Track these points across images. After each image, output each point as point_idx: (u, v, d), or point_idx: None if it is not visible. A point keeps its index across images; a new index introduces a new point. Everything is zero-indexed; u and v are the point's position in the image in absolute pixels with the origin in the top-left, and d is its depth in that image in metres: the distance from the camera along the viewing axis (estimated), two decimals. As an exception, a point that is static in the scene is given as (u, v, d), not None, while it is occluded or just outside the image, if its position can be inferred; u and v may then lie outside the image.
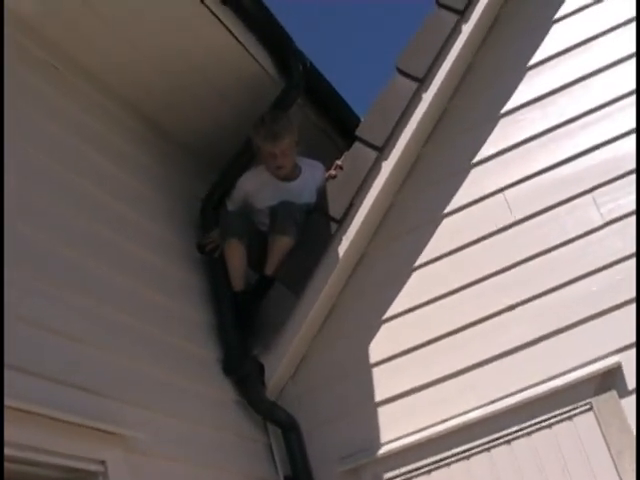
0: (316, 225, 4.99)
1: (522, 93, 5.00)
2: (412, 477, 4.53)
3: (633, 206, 4.57)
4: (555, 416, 4.37)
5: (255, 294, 4.96)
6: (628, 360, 4.32)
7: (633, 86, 4.79)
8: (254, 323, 4.87)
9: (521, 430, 4.40)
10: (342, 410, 4.76)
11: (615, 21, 4.96)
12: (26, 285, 3.41)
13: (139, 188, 4.75)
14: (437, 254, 4.86)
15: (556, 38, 5.04)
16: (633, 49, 4.86)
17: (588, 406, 4.33)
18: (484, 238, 4.80)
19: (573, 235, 4.64)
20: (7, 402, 2.85)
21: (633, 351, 4.32)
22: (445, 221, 4.91)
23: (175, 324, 4.43)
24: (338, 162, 5.13)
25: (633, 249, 4.49)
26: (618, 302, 4.43)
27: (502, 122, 4.99)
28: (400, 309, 4.82)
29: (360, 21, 12.97)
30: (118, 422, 3.48)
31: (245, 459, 4.50)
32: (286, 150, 4.98)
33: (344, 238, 4.86)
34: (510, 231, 4.77)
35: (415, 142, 4.98)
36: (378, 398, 4.70)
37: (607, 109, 4.83)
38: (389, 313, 4.83)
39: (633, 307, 4.39)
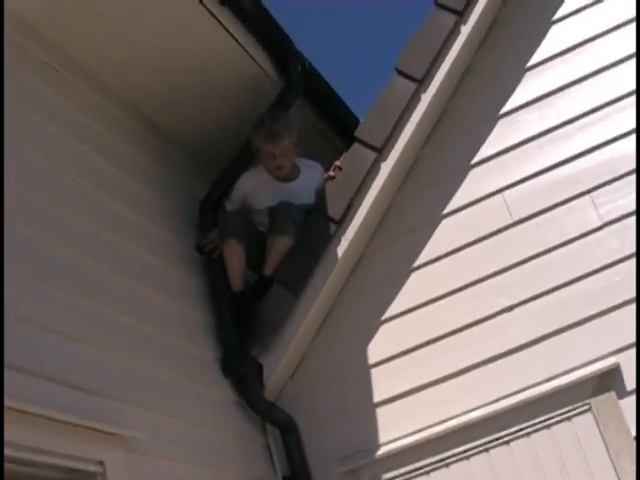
0: (315, 226, 4.99)
1: (521, 94, 5.01)
2: (411, 478, 4.52)
3: (631, 207, 4.57)
4: (554, 417, 4.37)
5: (254, 294, 4.96)
6: (627, 361, 4.32)
7: (631, 87, 4.79)
8: (253, 323, 4.86)
9: (520, 431, 4.40)
10: (341, 411, 4.75)
11: (613, 22, 4.96)
12: (26, 285, 3.41)
13: (138, 189, 4.75)
14: (436, 255, 4.86)
15: (555, 39, 5.04)
16: (631, 50, 4.86)
17: (587, 407, 4.33)
18: (483, 239, 4.80)
19: (572, 236, 4.65)
20: (7, 402, 2.85)
21: (632, 352, 4.32)
22: (444, 222, 4.91)
23: (174, 324, 4.43)
24: (337, 163, 5.14)
25: (631, 250, 4.49)
26: (616, 303, 4.43)
27: (501, 123, 4.99)
28: (399, 310, 4.82)
29: (359, 22, 13.00)
30: (116, 422, 3.48)
31: (244, 459, 4.50)
32: (285, 150, 4.99)
33: (343, 239, 4.86)
34: (509, 232, 4.77)
35: (414, 143, 4.99)
36: (377, 399, 4.70)
37: (605, 110, 4.83)
38: (388, 314, 4.83)
39: (631, 308, 4.39)
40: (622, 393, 4.31)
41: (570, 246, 4.64)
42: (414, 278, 4.86)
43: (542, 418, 4.38)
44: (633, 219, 4.55)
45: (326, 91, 5.87)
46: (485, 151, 4.96)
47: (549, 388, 4.40)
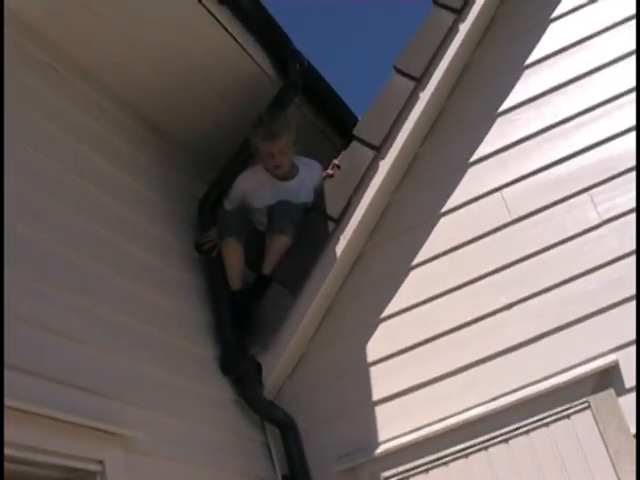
0: (313, 224, 4.98)
1: (519, 92, 5.01)
2: (410, 476, 4.52)
3: (630, 205, 4.58)
4: (553, 414, 4.37)
5: (253, 293, 4.95)
6: (626, 358, 4.32)
7: (629, 85, 4.80)
8: (252, 322, 4.87)
9: (519, 429, 4.40)
10: (340, 409, 4.76)
11: (611, 20, 4.97)
12: (26, 285, 3.42)
13: (138, 188, 4.75)
14: (435, 253, 4.86)
15: (553, 38, 5.04)
16: (629, 48, 4.87)
17: (586, 404, 4.33)
18: (482, 237, 4.81)
19: (571, 234, 4.65)
20: (7, 402, 2.85)
21: (631, 349, 4.33)
22: (442, 220, 4.91)
23: (173, 324, 4.43)
24: (335, 161, 5.13)
25: (630, 248, 4.50)
26: (615, 300, 4.44)
27: (499, 121, 5.00)
28: (397, 308, 4.82)
29: (358, 20, 13.00)
30: (116, 422, 3.49)
31: (243, 458, 4.50)
32: (284, 149, 4.99)
33: (341, 237, 4.86)
34: (508, 230, 4.78)
35: (412, 141, 4.99)
36: (376, 397, 4.70)
37: (603, 108, 4.84)
38: (387, 312, 4.83)
39: (631, 305, 4.39)
40: (621, 391, 4.31)
41: (569, 244, 4.65)
42: (413, 276, 4.86)
43: (541, 416, 4.38)
44: (632, 217, 4.56)
45: (325, 90, 5.87)
46: (483, 149, 4.97)
47: (548, 386, 4.40)
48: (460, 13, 5.02)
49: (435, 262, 4.85)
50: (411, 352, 4.72)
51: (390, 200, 5.02)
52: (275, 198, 5.01)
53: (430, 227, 4.91)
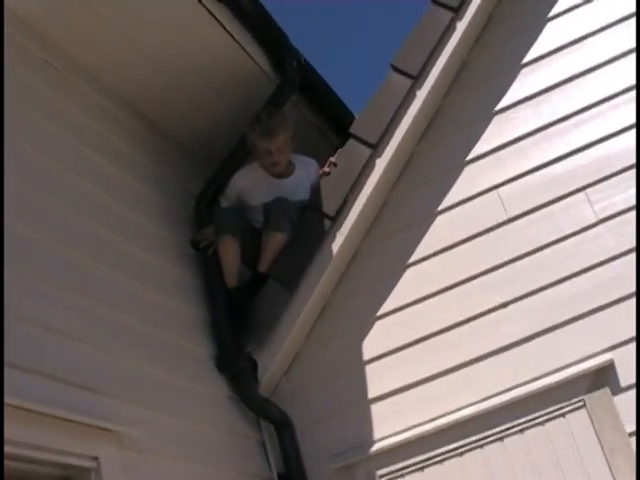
0: (310, 222, 4.98)
1: (516, 91, 5.02)
2: (405, 474, 4.53)
3: (626, 204, 4.59)
4: (548, 413, 4.38)
5: (249, 291, 4.96)
6: (621, 357, 4.33)
7: (626, 84, 4.80)
8: (248, 320, 4.87)
9: (514, 427, 4.41)
10: (335, 407, 4.76)
11: (609, 19, 4.97)
12: (26, 285, 3.42)
13: (136, 187, 4.75)
14: (431, 251, 4.87)
15: (550, 36, 5.05)
16: (626, 47, 4.87)
17: (581, 403, 4.34)
18: (478, 235, 4.81)
19: (567, 232, 4.66)
20: (7, 400, 2.86)
21: (626, 348, 4.34)
22: (439, 218, 4.92)
23: (170, 321, 4.43)
24: (332, 159, 5.14)
25: (627, 247, 4.51)
26: (612, 299, 4.45)
27: (496, 120, 5.00)
28: (393, 306, 4.83)
29: (355, 19, 12.98)
30: (111, 419, 3.49)
31: (238, 456, 4.51)
32: (281, 147, 4.99)
33: (338, 235, 4.86)
34: (504, 228, 4.78)
35: (409, 139, 4.99)
36: (371, 395, 4.71)
37: (600, 107, 4.84)
38: (382, 310, 4.84)
39: (626, 304, 4.40)
40: (616, 389, 4.32)
41: (565, 243, 4.65)
42: (409, 275, 4.87)
43: (536, 415, 4.39)
44: (628, 216, 4.57)
45: (322, 87, 5.87)
46: (480, 148, 4.97)
47: (543, 385, 4.41)
48: (457, 11, 5.02)
49: (431, 260, 4.86)
50: (407, 350, 4.73)
51: (386, 198, 5.03)
52: (272, 196, 5.01)
53: (426, 225, 4.92)
